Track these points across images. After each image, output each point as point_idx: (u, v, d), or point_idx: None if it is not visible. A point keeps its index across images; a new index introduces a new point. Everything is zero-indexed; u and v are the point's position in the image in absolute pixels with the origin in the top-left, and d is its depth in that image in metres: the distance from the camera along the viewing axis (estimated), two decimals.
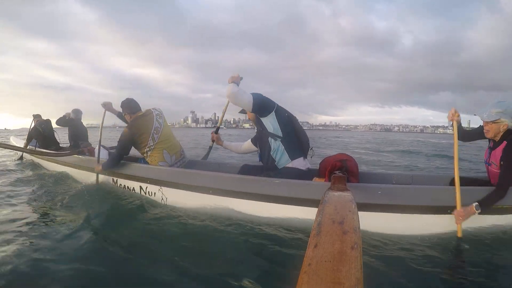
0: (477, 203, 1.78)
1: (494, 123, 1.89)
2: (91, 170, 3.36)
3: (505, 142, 1.88)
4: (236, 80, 2.29)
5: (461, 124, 2.01)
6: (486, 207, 1.78)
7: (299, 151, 2.38)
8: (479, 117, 1.95)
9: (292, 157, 2.32)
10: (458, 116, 1.95)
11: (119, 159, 2.83)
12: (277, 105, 2.40)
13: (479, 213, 1.77)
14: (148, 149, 2.78)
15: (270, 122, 2.32)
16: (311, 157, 2.50)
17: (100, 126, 3.25)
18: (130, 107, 2.90)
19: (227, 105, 2.99)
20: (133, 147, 2.86)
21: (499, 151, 1.90)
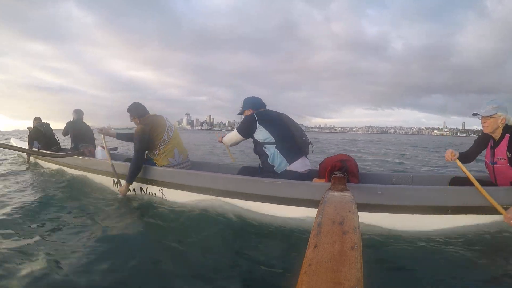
0: None
1: (492, 117, 2.01)
2: (91, 171, 3.38)
3: (507, 135, 1.98)
4: (224, 135, 2.87)
5: (459, 154, 2.11)
6: None
7: (297, 152, 2.38)
8: (478, 113, 2.06)
9: (290, 160, 2.32)
10: (454, 155, 2.06)
11: (141, 158, 2.70)
12: (257, 114, 2.42)
13: None
14: (162, 144, 2.80)
15: (260, 134, 2.37)
16: (312, 152, 2.54)
17: (106, 151, 3.21)
18: (139, 110, 2.91)
19: (227, 147, 3.25)
20: None
21: (503, 144, 2.00)
